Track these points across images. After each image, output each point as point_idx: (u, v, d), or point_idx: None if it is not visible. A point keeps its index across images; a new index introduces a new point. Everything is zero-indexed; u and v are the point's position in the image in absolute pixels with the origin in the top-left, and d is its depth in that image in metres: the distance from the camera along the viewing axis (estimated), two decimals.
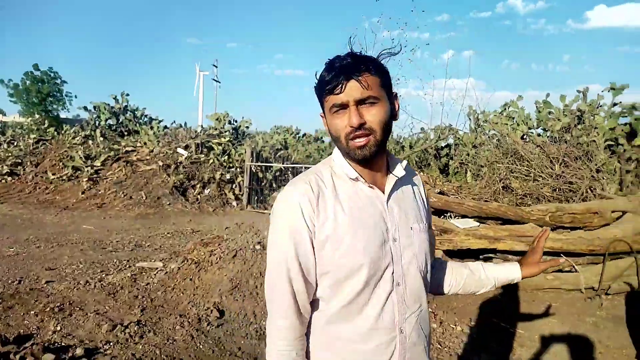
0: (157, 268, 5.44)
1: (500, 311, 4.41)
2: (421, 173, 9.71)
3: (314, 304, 1.24)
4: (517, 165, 8.26)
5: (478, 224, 5.53)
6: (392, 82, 1.25)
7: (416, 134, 11.87)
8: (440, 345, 3.76)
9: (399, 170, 1.27)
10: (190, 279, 4.77)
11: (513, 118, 10.77)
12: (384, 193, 1.24)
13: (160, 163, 12.37)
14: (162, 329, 3.84)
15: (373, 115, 1.14)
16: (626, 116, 8.60)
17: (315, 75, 1.19)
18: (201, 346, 3.62)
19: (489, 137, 10.53)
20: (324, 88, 1.15)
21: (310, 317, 1.25)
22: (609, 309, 4.57)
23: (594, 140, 8.11)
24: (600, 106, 9.34)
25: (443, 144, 11.83)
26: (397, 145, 11.75)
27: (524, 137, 10.05)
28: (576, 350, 3.76)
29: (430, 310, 4.30)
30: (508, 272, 1.47)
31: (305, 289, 1.20)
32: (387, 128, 1.18)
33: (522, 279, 1.47)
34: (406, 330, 1.22)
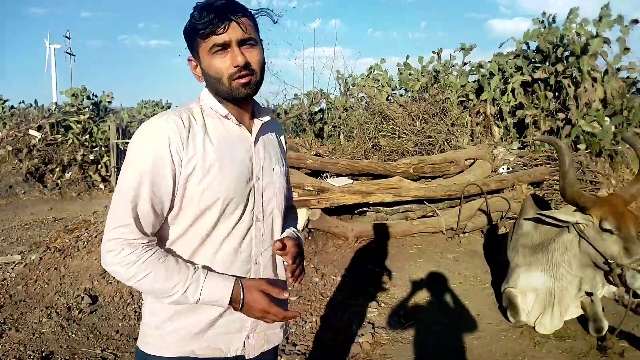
0: (14, 262, 4.89)
1: (375, 258, 4.73)
2: (297, 138, 9.86)
3: (175, 234, 1.22)
4: (384, 124, 8.78)
5: (352, 181, 5.80)
6: (264, 47, 1.28)
7: (290, 100, 11.96)
8: (322, 296, 3.94)
9: (265, 116, 1.34)
10: (55, 268, 4.37)
11: (378, 80, 11.31)
12: (251, 134, 1.29)
13: (10, 148, 10.95)
14: (27, 324, 3.49)
15: (254, 57, 1.18)
16: (475, 74, 9.52)
17: (192, 18, 1.15)
18: (74, 335, 3.36)
19: (358, 100, 10.98)
20: (204, 28, 1.13)
21: (172, 250, 1.22)
22: (466, 245, 5.15)
23: (449, 97, 8.87)
24: (453, 66, 10.21)
25: (316, 109, 12.09)
26: (273, 113, 11.76)
27: (389, 98, 10.66)
28: (440, 281, 4.20)
29: (312, 265, 4.46)
30: None
31: (151, 216, 1.15)
32: (263, 70, 1.24)
33: None
34: (261, 262, 1.30)
